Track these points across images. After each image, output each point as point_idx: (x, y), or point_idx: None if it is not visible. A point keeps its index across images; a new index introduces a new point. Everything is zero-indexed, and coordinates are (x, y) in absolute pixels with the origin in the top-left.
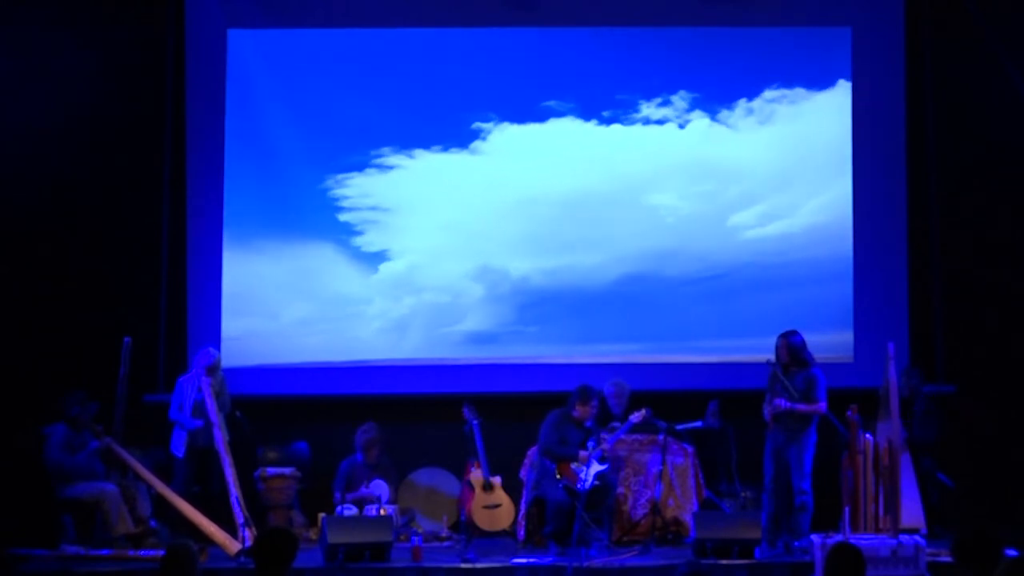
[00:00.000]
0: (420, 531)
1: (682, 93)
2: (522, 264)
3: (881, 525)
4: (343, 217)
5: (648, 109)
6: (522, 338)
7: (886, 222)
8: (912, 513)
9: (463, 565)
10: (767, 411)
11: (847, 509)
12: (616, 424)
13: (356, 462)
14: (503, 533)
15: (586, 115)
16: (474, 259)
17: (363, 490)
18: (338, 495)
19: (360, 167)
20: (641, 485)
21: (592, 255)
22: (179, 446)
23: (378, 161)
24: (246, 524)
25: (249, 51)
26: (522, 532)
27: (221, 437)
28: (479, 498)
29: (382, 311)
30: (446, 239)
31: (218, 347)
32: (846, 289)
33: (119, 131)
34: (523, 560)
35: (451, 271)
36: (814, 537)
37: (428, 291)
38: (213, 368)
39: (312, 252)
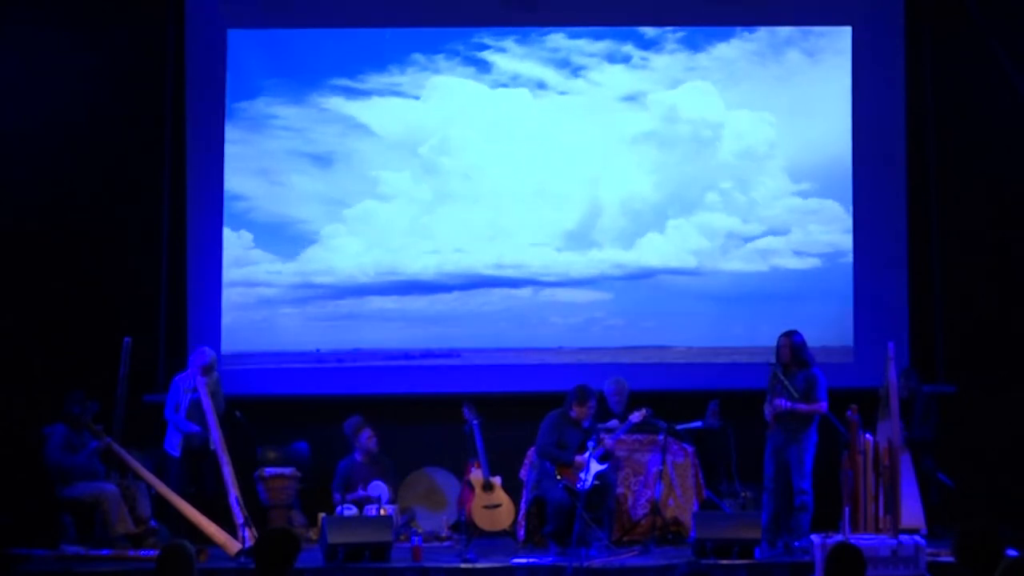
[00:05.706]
0: (420, 531)
1: (681, 90)
2: (523, 262)
3: (881, 525)
4: (343, 217)
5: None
6: (522, 338)
7: (886, 222)
8: (912, 513)
9: (463, 565)
10: (768, 411)
11: (847, 509)
12: (615, 423)
13: (355, 462)
14: (503, 533)
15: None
16: (475, 259)
17: (360, 492)
18: (337, 495)
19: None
20: (641, 485)
21: (592, 255)
22: (174, 446)
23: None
24: (246, 524)
25: (249, 51)
26: (522, 532)
27: (219, 438)
28: (479, 498)
29: (383, 311)
30: (447, 238)
31: (218, 347)
32: (846, 289)
33: (119, 131)
34: (523, 560)
35: (452, 271)
36: (814, 537)
37: (429, 291)
38: (209, 368)
39: (312, 251)
